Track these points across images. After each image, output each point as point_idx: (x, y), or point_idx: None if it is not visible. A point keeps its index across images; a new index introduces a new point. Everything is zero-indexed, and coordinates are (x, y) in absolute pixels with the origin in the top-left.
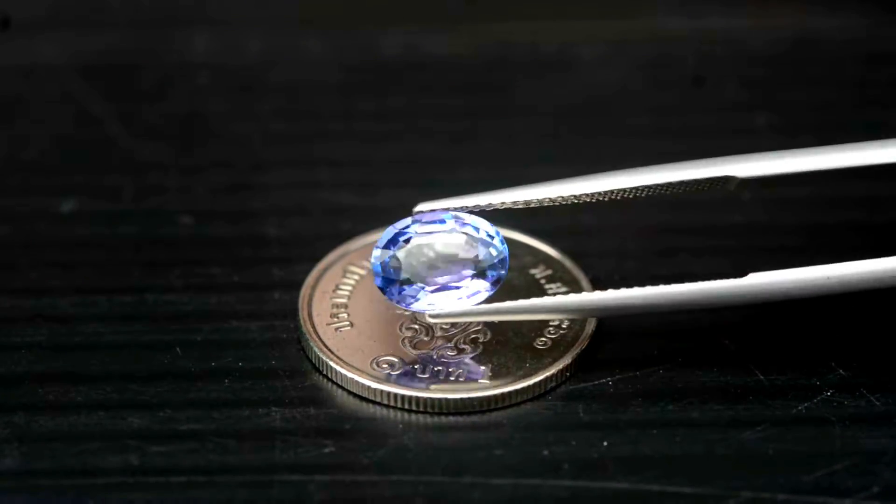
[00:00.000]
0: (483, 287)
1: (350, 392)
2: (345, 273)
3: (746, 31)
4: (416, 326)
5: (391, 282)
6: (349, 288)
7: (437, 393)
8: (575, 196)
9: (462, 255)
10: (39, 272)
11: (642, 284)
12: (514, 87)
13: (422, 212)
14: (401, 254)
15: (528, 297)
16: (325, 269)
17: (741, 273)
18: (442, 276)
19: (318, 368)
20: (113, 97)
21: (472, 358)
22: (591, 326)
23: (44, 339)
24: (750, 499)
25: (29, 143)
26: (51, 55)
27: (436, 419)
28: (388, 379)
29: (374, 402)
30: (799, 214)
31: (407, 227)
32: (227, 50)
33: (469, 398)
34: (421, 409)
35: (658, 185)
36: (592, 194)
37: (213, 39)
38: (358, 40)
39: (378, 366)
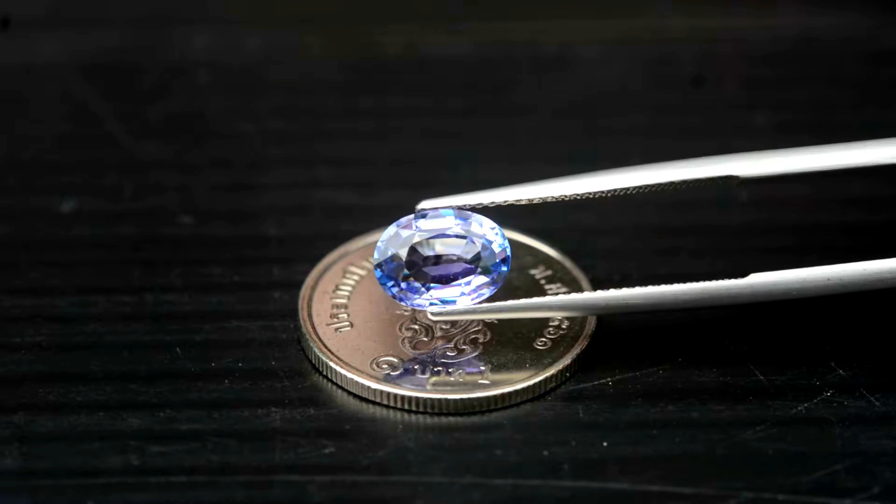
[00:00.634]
0: (485, 285)
1: (350, 392)
2: (345, 273)
3: (746, 31)
4: (416, 327)
5: (393, 279)
6: (349, 288)
7: (436, 393)
8: (577, 194)
9: (464, 252)
10: (39, 272)
11: (643, 284)
12: (514, 87)
13: (424, 209)
14: (403, 251)
15: (528, 296)
16: (325, 270)
17: (741, 273)
18: (444, 273)
19: (317, 369)
20: (113, 97)
21: (472, 357)
22: (590, 326)
23: (44, 339)
24: (750, 499)
25: (29, 143)
26: (51, 55)
27: (436, 420)
28: (387, 379)
29: (374, 403)
30: (799, 214)
31: (410, 223)
32: (227, 49)
33: (469, 399)
34: (421, 409)
35: (660, 184)
36: (594, 192)
37: (213, 39)
38: (358, 39)
39: (378, 366)
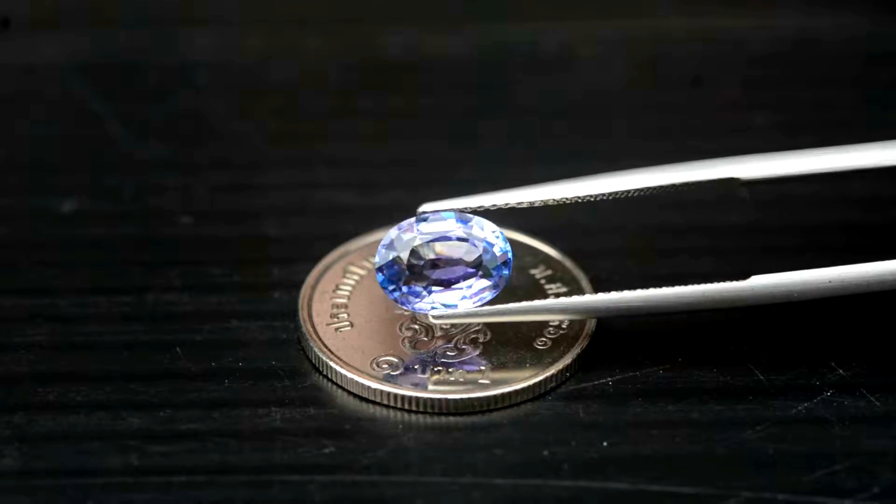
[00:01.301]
0: (486, 288)
1: (350, 392)
2: (345, 273)
3: (746, 30)
4: (416, 326)
5: (394, 282)
6: (349, 288)
7: (437, 393)
8: (578, 197)
9: (465, 255)
10: (39, 272)
11: (642, 284)
12: (514, 87)
13: (426, 212)
14: (404, 254)
15: (528, 296)
16: (325, 270)
17: (742, 275)
18: (445, 276)
19: (318, 369)
20: (113, 97)
21: (472, 357)
22: (591, 326)
23: (44, 339)
24: (750, 499)
25: (29, 143)
26: (51, 55)
27: (436, 419)
28: (388, 379)
29: (374, 403)
30: (799, 214)
31: (411, 226)
32: (227, 50)
33: (469, 398)
34: (421, 409)
35: (661, 187)
36: (595, 195)
37: (213, 39)
38: (358, 40)
39: (378, 366)
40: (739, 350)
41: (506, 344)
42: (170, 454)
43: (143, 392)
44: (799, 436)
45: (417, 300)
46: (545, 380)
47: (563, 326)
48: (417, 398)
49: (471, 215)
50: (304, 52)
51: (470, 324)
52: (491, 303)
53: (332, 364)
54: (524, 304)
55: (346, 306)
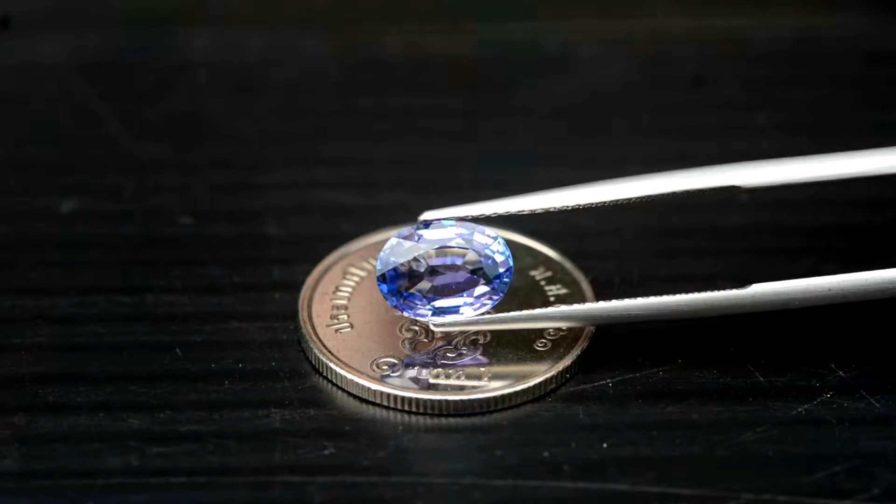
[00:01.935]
0: (487, 295)
1: (350, 393)
2: (345, 274)
3: (746, 30)
4: (416, 328)
5: (395, 290)
6: (349, 289)
7: (437, 394)
8: (578, 204)
9: (466, 263)
10: (39, 272)
11: (642, 286)
12: (514, 87)
13: (426, 220)
14: (405, 262)
15: (528, 298)
16: (326, 271)
17: (742, 275)
18: (446, 284)
19: (318, 370)
20: (113, 97)
21: (472, 358)
22: (590, 328)
23: (44, 339)
24: (750, 500)
25: (29, 143)
26: (51, 55)
27: (436, 421)
28: (387, 380)
29: (374, 404)
30: (798, 216)
31: (411, 234)
32: (227, 50)
33: (469, 399)
34: (421, 410)
35: (663, 195)
36: (595, 203)
37: (213, 39)
38: (358, 40)
39: (378, 367)
40: (739, 352)
41: (506, 345)
42: (170, 455)
43: (144, 393)
44: (799, 437)
45: (418, 308)
46: (545, 381)
47: (563, 328)
48: (417, 399)
49: (471, 223)
50: (304, 52)
51: None
52: (492, 311)
53: (332, 365)
54: (524, 312)
55: (346, 307)
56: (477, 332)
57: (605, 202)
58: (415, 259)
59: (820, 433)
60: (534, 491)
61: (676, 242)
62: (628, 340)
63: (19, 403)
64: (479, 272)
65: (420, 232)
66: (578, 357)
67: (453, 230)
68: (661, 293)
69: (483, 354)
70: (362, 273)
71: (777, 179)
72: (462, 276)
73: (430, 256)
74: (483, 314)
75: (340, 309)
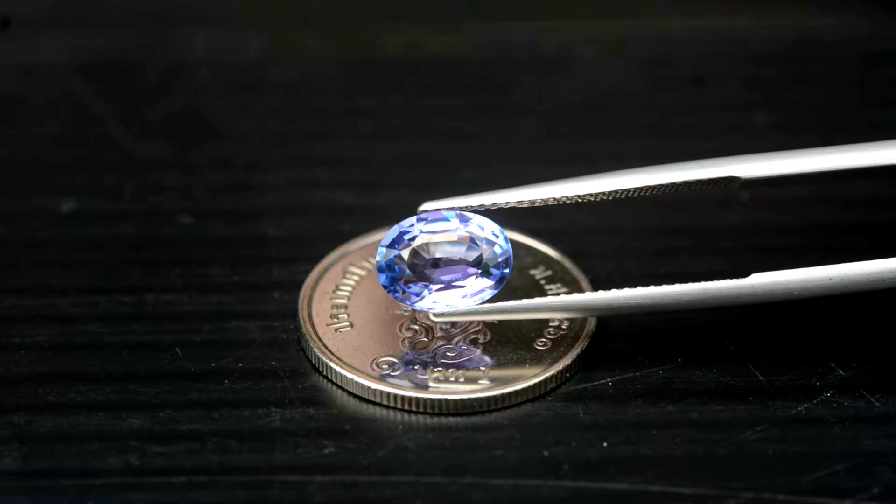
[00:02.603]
0: (487, 286)
1: (350, 392)
2: (345, 273)
3: (746, 31)
4: (416, 327)
5: (395, 280)
6: (349, 288)
7: (437, 394)
8: (579, 196)
9: (466, 254)
10: (39, 272)
11: (643, 284)
12: (514, 87)
13: (427, 211)
14: (405, 252)
15: (528, 297)
16: (326, 270)
17: (742, 273)
18: (446, 274)
19: (318, 369)
20: (113, 97)
21: (472, 358)
22: (590, 327)
23: (44, 339)
24: (750, 499)
25: (29, 143)
26: (51, 55)
27: (436, 420)
28: (387, 380)
29: (373, 403)
30: (799, 214)
31: (412, 225)
32: (227, 49)
33: (469, 399)
34: (421, 409)
35: (661, 186)
36: (596, 194)
37: (213, 39)
38: (358, 40)
39: (378, 366)
40: (739, 351)
41: (506, 344)
42: (170, 454)
43: (144, 392)
44: (799, 436)
45: (418, 299)
46: (545, 380)
47: (563, 327)
48: (417, 398)
49: (471, 214)
50: (304, 52)
51: (470, 324)
52: (491, 301)
53: (331, 364)
54: (524, 301)
55: (346, 307)
56: (477, 332)
57: (604, 193)
58: (415, 250)
59: (820, 432)
60: (533, 490)
61: (676, 241)
62: (628, 340)
63: (19, 403)
64: (479, 263)
65: (420, 223)
66: (578, 357)
67: (453, 221)
68: None
69: (483, 354)
70: (362, 272)
71: (776, 171)
72: (462, 266)
73: (430, 247)
74: (482, 305)
75: (340, 308)
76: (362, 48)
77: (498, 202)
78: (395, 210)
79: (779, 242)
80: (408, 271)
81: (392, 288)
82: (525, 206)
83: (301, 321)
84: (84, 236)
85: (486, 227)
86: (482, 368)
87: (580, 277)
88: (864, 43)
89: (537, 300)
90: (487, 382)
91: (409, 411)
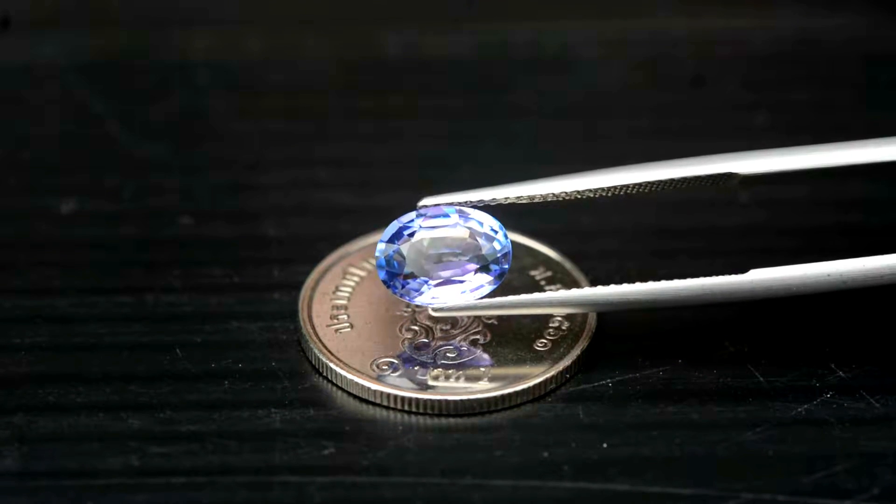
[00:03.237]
0: (486, 281)
1: (350, 393)
2: (345, 274)
3: (746, 31)
4: (416, 328)
5: (395, 275)
6: (349, 289)
7: (436, 394)
8: (578, 192)
9: (466, 249)
10: (39, 272)
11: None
12: (514, 88)
13: (426, 206)
14: (405, 247)
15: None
16: (325, 271)
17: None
18: (445, 269)
19: (318, 370)
20: (113, 97)
21: (472, 359)
22: (591, 328)
23: (44, 339)
24: (750, 500)
25: (29, 143)
26: (51, 55)
27: (436, 421)
28: (387, 380)
29: (373, 404)
30: (798, 216)
31: (411, 221)
32: (227, 49)
33: (469, 400)
34: (421, 410)
35: (661, 182)
36: (596, 190)
37: (213, 39)
38: (358, 40)
39: (378, 367)
40: (739, 352)
41: (506, 345)
42: (169, 455)
43: (143, 393)
44: (799, 437)
45: (417, 294)
46: (545, 381)
47: (563, 328)
48: (417, 399)
49: (470, 210)
50: (304, 52)
51: (470, 325)
52: (491, 297)
53: (332, 365)
54: (524, 297)
55: (346, 307)
56: (477, 332)
57: (603, 189)
58: (414, 245)
59: (820, 433)
60: (533, 491)
61: (675, 243)
62: (628, 341)
63: (19, 403)
64: (478, 258)
65: (420, 218)
66: (578, 357)
67: (453, 216)
68: None
69: (483, 354)
70: (362, 273)
71: (774, 168)
72: (461, 262)
73: (429, 242)
74: (482, 300)
75: (340, 309)
76: (362, 48)
77: (497, 198)
78: (394, 211)
79: (778, 244)
80: (407, 267)
81: (391, 283)
82: (524, 201)
83: (301, 322)
84: (84, 236)
85: (486, 223)
86: (482, 369)
87: (580, 278)
88: (865, 43)
89: (536, 295)
90: (487, 383)
91: (409, 412)
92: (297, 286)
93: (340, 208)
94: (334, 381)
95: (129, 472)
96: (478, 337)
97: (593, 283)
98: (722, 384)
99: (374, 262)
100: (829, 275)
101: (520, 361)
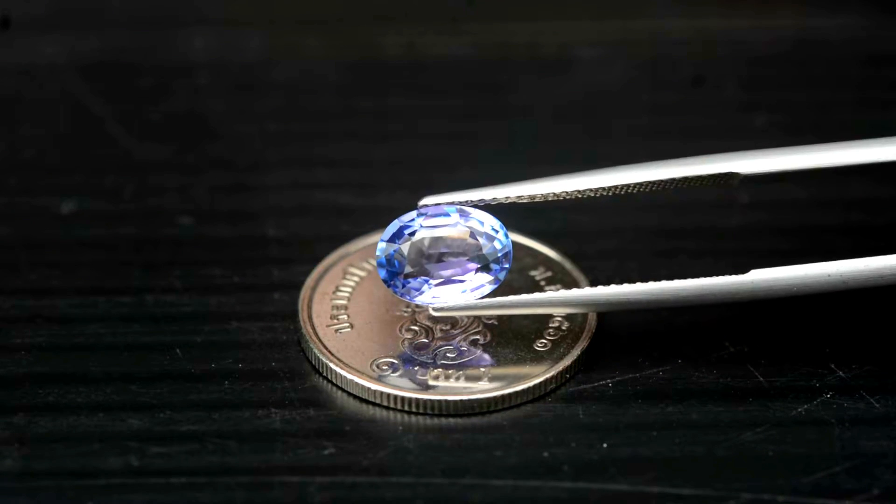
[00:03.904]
0: (487, 281)
1: (350, 393)
2: (345, 274)
3: (746, 31)
4: (416, 328)
5: (396, 275)
6: (349, 289)
7: (436, 395)
8: (579, 191)
9: (466, 248)
10: (39, 272)
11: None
12: (514, 87)
13: (427, 205)
14: (405, 247)
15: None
16: (325, 271)
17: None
18: (446, 269)
19: (318, 370)
20: (113, 97)
21: (472, 359)
22: (590, 328)
23: (44, 340)
24: (750, 500)
25: (29, 143)
26: (51, 55)
27: (436, 421)
28: (387, 381)
29: (373, 404)
30: (798, 216)
31: (412, 220)
32: (227, 50)
33: (469, 400)
34: (421, 410)
35: (662, 181)
36: (597, 189)
37: (213, 39)
38: (358, 40)
39: (378, 367)
40: (739, 352)
41: (506, 346)
42: (170, 455)
43: (143, 393)
44: (799, 437)
45: (418, 293)
46: (545, 381)
47: (563, 328)
48: (417, 399)
49: (471, 209)
50: (304, 52)
51: (470, 325)
52: (491, 296)
53: (332, 365)
54: (524, 296)
55: (346, 307)
56: (477, 333)
57: (604, 189)
58: (415, 245)
59: (820, 433)
60: (533, 491)
61: (676, 243)
62: (628, 341)
63: (19, 403)
64: (479, 258)
65: (420, 217)
66: (578, 357)
67: (453, 216)
68: None
69: (483, 355)
70: (362, 273)
71: (775, 168)
72: (462, 261)
73: (430, 241)
74: (482, 300)
75: (340, 309)
76: (362, 48)
77: (498, 197)
78: (394, 211)
79: (778, 244)
80: (408, 266)
81: (392, 282)
82: (525, 201)
83: (301, 322)
84: (84, 237)
85: (486, 222)
86: (482, 369)
87: (580, 279)
88: (865, 44)
89: (537, 295)
90: (487, 383)
91: (409, 412)
92: (297, 286)
93: (340, 208)
94: (334, 382)
95: (129, 472)
96: (478, 337)
97: (593, 284)
98: (722, 384)
99: (374, 261)
100: (829, 275)
101: (520, 361)
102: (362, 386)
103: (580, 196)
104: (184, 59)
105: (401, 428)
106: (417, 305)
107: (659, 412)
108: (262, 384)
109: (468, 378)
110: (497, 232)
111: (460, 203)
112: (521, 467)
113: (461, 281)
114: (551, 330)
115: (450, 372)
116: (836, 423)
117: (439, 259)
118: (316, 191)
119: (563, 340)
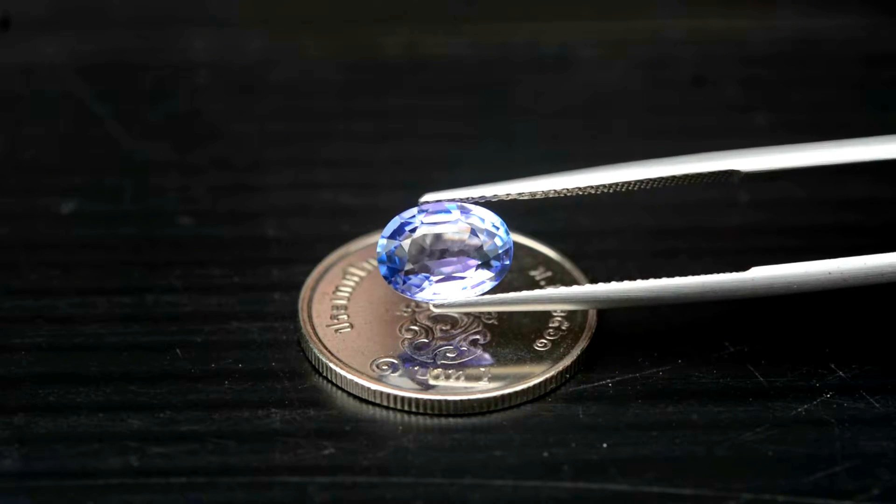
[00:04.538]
0: (487, 277)
1: (350, 394)
2: (345, 274)
3: (746, 31)
4: (416, 328)
5: (396, 271)
6: (349, 289)
7: (436, 395)
8: (580, 188)
9: (467, 245)
10: (39, 272)
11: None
12: (514, 87)
13: (427, 202)
14: (406, 243)
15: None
16: (325, 271)
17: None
18: (447, 265)
19: (317, 370)
20: (113, 97)
21: (472, 359)
22: (590, 328)
23: (44, 340)
24: (750, 500)
25: (29, 143)
26: (51, 55)
27: (435, 421)
28: (387, 381)
29: (373, 404)
30: (798, 216)
31: (413, 217)
32: (227, 50)
33: (469, 400)
34: (421, 410)
35: (663, 179)
36: (597, 186)
37: (213, 39)
38: (358, 40)
39: (378, 367)
40: (739, 352)
41: (506, 345)
42: (170, 455)
43: (143, 393)
44: (799, 437)
45: (418, 290)
46: (545, 381)
47: (563, 328)
48: (417, 399)
49: (472, 206)
50: (304, 52)
51: (470, 325)
52: (491, 293)
53: (331, 365)
54: (524, 293)
55: (345, 307)
56: (477, 333)
57: (605, 186)
58: (415, 241)
59: (820, 433)
60: (533, 491)
61: (676, 243)
62: (628, 341)
63: (19, 403)
64: (479, 254)
65: (421, 214)
66: (578, 357)
67: (454, 213)
68: None
69: (483, 354)
70: (362, 273)
71: (776, 165)
72: (463, 258)
73: (430, 238)
74: (483, 296)
75: (340, 309)
76: (362, 48)
77: (498, 194)
78: (394, 211)
79: (778, 244)
80: (408, 262)
81: (392, 279)
82: (526, 198)
83: (301, 322)
84: (84, 237)
85: (487, 219)
86: (482, 369)
87: (580, 278)
88: (864, 44)
89: (538, 292)
90: (487, 383)
91: (409, 412)
92: (297, 286)
93: (341, 208)
94: (334, 381)
95: (129, 472)
96: (478, 337)
97: (593, 283)
98: (722, 384)
99: (374, 261)
100: (829, 272)
101: (520, 361)
102: (362, 386)
103: (581, 193)
104: (184, 60)
105: (401, 428)
106: (417, 305)
107: (659, 412)
108: (262, 384)
109: (468, 378)
110: (498, 229)
111: (461, 200)
112: (521, 467)
113: (462, 278)
114: (551, 330)
115: (450, 372)
116: (836, 423)
117: (440, 256)
118: (316, 191)
119: (563, 340)
